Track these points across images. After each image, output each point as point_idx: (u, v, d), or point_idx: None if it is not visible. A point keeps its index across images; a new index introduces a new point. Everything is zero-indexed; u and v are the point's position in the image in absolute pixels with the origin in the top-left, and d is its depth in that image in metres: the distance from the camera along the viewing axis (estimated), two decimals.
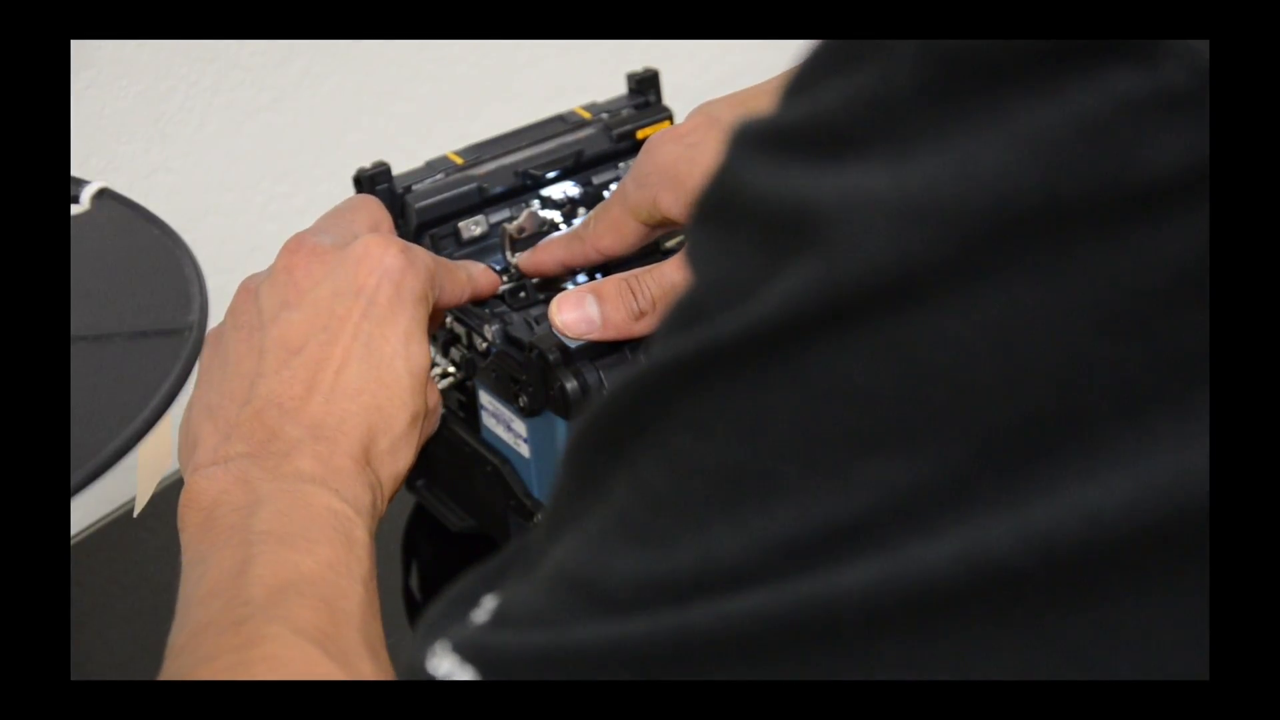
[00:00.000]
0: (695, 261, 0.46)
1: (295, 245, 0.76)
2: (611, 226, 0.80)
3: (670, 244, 0.85)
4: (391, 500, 0.73)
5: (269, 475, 0.69)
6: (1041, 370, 0.41)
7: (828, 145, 0.42)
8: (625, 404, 0.46)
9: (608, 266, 0.84)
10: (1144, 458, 0.41)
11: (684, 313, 0.45)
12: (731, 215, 0.44)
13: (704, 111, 0.79)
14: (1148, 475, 0.41)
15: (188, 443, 0.73)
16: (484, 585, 0.50)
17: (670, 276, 0.77)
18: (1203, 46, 0.39)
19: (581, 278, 0.86)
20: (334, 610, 0.63)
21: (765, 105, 0.77)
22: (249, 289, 0.76)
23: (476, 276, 0.82)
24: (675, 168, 0.77)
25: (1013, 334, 0.41)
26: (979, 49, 0.40)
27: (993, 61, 0.40)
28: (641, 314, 0.77)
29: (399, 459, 0.73)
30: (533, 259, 0.84)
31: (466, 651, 0.48)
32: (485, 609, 0.49)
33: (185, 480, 0.70)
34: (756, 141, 0.44)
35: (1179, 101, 0.39)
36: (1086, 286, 0.40)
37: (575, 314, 0.77)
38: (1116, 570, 0.42)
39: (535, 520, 0.85)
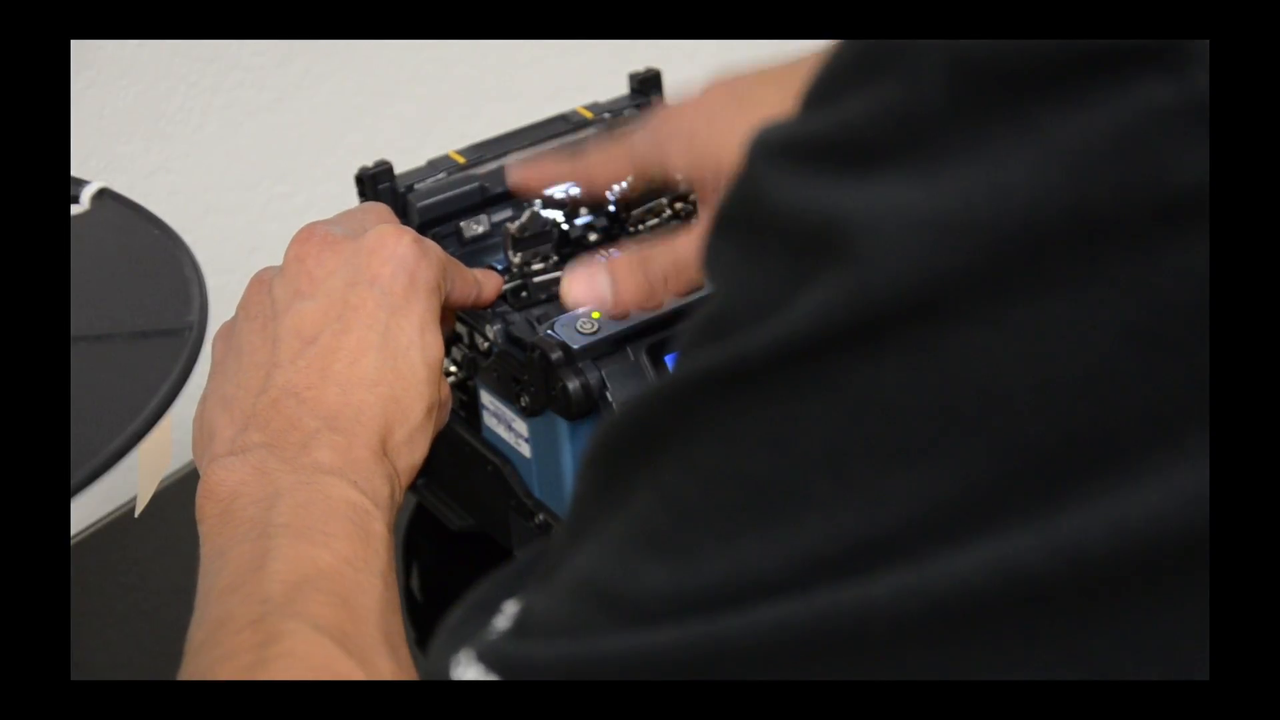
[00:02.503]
0: (719, 272, 0.46)
1: (306, 235, 0.76)
2: (611, 165, 0.80)
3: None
4: (407, 491, 0.73)
5: (287, 466, 0.68)
6: (1072, 383, 0.41)
7: (855, 158, 0.42)
8: (649, 414, 0.46)
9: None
10: (1174, 471, 0.41)
11: (710, 325, 0.45)
12: (756, 227, 0.44)
13: (727, 86, 0.78)
14: (1178, 488, 0.41)
15: (203, 434, 0.73)
16: (504, 591, 0.50)
17: (680, 253, 0.76)
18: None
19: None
20: (352, 606, 0.63)
21: (791, 84, 0.77)
22: (262, 280, 0.75)
23: (482, 279, 0.82)
24: (693, 133, 0.76)
25: (1044, 347, 0.41)
26: (1006, 59, 0.40)
27: (1021, 72, 0.40)
28: (653, 290, 0.77)
29: (415, 450, 0.73)
30: (523, 169, 0.83)
31: (491, 660, 0.48)
32: (507, 615, 0.49)
33: (201, 471, 0.70)
34: (780, 152, 0.44)
35: (1208, 111, 0.39)
36: (1118, 300, 0.40)
37: (586, 288, 0.77)
38: (1145, 581, 0.42)
39: (536, 520, 0.85)
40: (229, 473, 0.68)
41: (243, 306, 0.76)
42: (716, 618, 0.44)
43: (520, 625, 0.48)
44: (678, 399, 0.45)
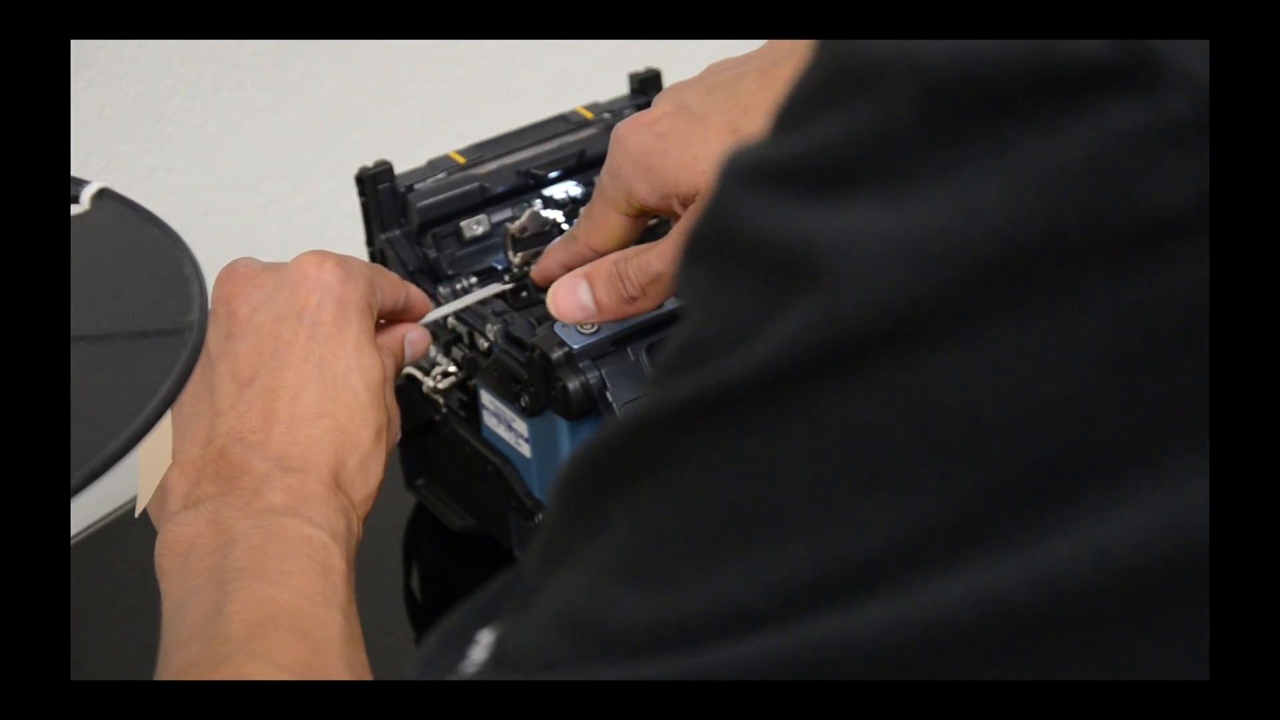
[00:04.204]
0: (693, 299, 0.45)
1: (228, 274, 0.75)
2: (597, 224, 0.80)
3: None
4: (364, 521, 0.72)
5: (241, 513, 0.68)
6: (1052, 408, 0.40)
7: (827, 182, 0.42)
8: (625, 443, 0.46)
9: None
10: (1157, 495, 0.40)
11: (684, 353, 0.45)
12: (729, 252, 0.44)
13: (674, 99, 0.77)
14: (1160, 513, 0.41)
15: (157, 493, 0.72)
16: (478, 620, 0.49)
17: (654, 265, 0.76)
18: (1203, 73, 0.39)
19: None
20: (314, 642, 0.62)
21: (735, 92, 0.77)
22: None
23: (411, 293, 0.81)
24: (647, 158, 0.76)
25: (1022, 372, 0.40)
26: (978, 82, 0.40)
27: (992, 95, 0.40)
28: (632, 299, 0.77)
29: (370, 478, 0.72)
30: (540, 268, 0.84)
31: None
32: (483, 645, 0.48)
33: (159, 530, 0.70)
34: (752, 176, 0.43)
35: (1181, 133, 0.39)
36: (1095, 324, 0.40)
37: (570, 301, 0.77)
38: (1128, 610, 0.41)
39: (536, 520, 0.85)
40: (184, 528, 0.68)
41: None
42: (700, 650, 0.43)
43: (499, 657, 0.48)
44: (653, 429, 0.45)
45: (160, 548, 0.68)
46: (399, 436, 0.77)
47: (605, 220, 0.79)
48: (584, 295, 0.77)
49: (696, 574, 0.44)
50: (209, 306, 0.65)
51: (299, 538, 0.66)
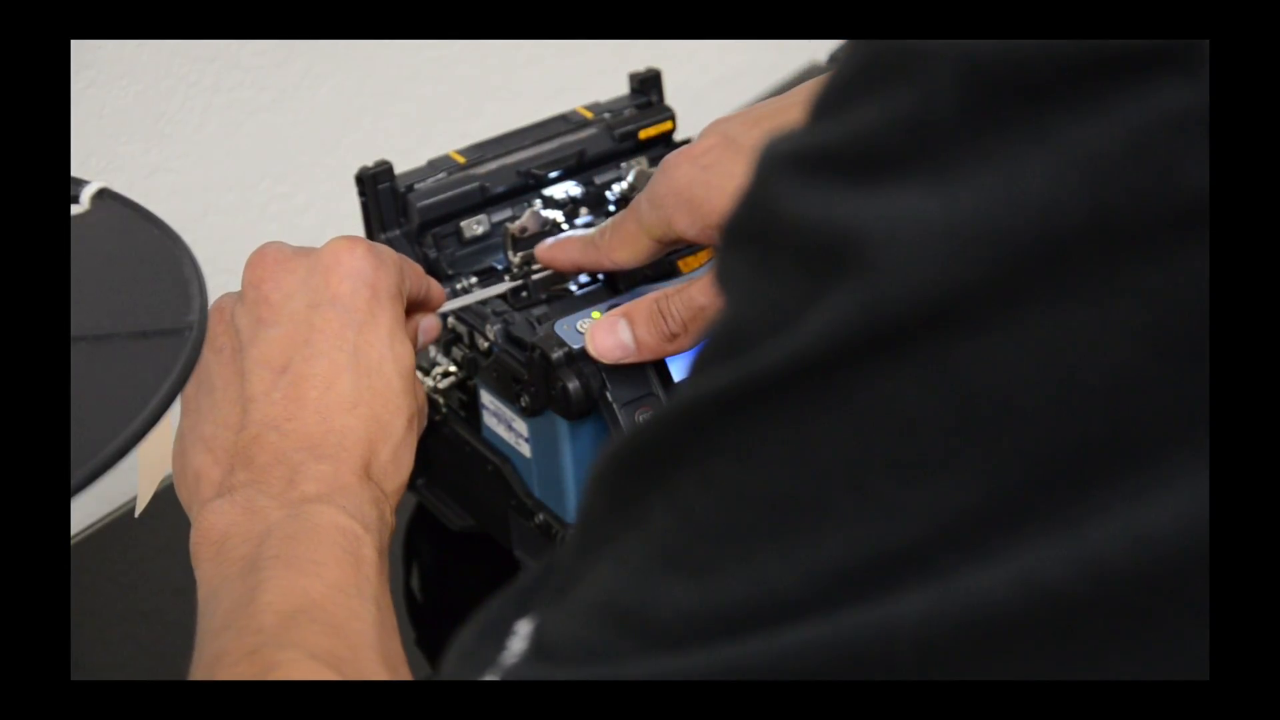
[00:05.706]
0: (730, 286, 0.45)
1: (258, 258, 0.75)
2: (625, 241, 0.80)
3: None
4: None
5: (276, 502, 0.68)
6: (1092, 392, 0.40)
7: (867, 168, 0.42)
8: (665, 432, 0.46)
9: (619, 272, 0.84)
10: (1198, 479, 0.40)
11: (724, 341, 0.45)
12: (767, 239, 0.44)
13: (720, 131, 0.78)
14: (1202, 496, 0.40)
15: (188, 478, 0.72)
16: (515, 610, 0.49)
17: (697, 299, 0.76)
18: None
19: (583, 277, 0.86)
20: (346, 634, 0.62)
21: (781, 124, 0.77)
22: (222, 309, 0.74)
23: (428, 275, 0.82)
24: (690, 190, 0.76)
25: (1062, 356, 0.40)
26: (1018, 65, 0.40)
27: (1033, 78, 0.40)
28: (673, 335, 0.77)
29: (401, 468, 0.72)
30: (549, 253, 0.84)
31: None
32: (521, 635, 0.48)
33: (192, 516, 0.70)
34: (790, 163, 0.43)
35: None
36: (1135, 307, 0.40)
37: (610, 340, 0.77)
38: (1172, 594, 0.41)
39: (536, 520, 0.85)
40: (219, 516, 0.68)
41: (207, 340, 0.75)
42: (741, 639, 0.43)
43: (539, 647, 0.48)
44: (693, 418, 0.45)
45: (195, 535, 0.68)
46: (425, 424, 0.77)
47: (635, 241, 0.79)
48: (623, 334, 0.77)
49: (737, 563, 0.44)
50: (208, 307, 0.65)
51: (332, 526, 0.67)
